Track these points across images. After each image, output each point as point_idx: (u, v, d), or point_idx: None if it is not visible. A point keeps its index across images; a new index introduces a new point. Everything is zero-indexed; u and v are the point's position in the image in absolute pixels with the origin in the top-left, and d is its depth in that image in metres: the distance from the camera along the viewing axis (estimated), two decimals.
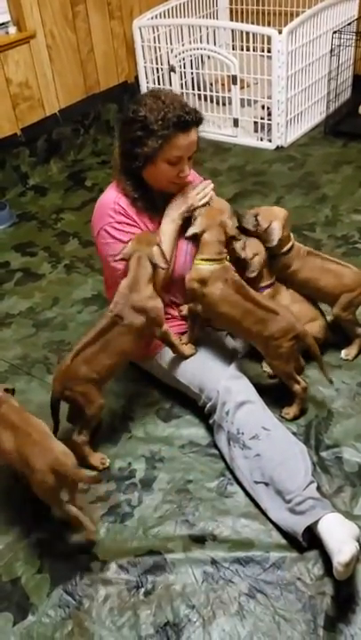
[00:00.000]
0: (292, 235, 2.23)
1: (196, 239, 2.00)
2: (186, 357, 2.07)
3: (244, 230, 2.15)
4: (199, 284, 1.96)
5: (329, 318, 2.31)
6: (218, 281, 1.95)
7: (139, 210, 2.03)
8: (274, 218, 2.15)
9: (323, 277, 2.21)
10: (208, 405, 2.00)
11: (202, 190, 2.03)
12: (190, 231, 1.98)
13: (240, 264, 2.09)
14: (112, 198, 2.04)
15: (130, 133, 1.93)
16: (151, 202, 2.05)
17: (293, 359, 2.02)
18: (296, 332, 1.95)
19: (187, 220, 2.04)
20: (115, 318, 1.89)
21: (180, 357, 2.08)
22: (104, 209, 2.04)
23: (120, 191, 2.03)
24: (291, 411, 2.07)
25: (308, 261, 2.23)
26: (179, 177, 1.98)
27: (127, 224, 2.01)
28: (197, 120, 1.94)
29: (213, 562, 1.69)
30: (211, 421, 2.00)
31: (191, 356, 2.07)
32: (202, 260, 1.96)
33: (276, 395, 2.10)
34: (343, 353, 2.29)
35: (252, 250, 2.13)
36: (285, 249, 2.19)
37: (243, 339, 2.10)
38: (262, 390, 2.02)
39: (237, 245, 2.07)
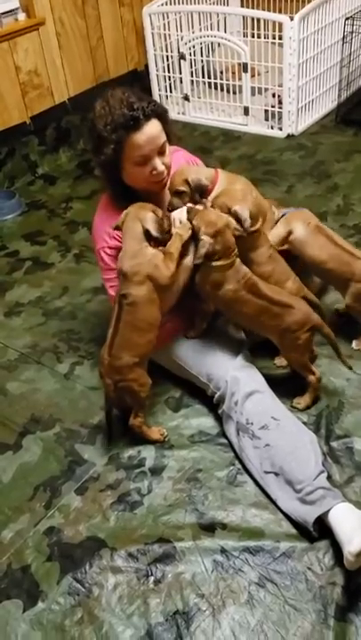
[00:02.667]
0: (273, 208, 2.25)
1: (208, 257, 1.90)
2: (188, 337, 2.08)
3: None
4: (211, 286, 1.93)
5: (338, 306, 2.33)
6: (231, 282, 1.91)
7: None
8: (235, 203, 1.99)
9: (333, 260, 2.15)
10: (217, 395, 1.99)
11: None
12: (198, 256, 1.86)
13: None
14: (104, 219, 2.01)
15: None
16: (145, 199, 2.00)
17: (309, 350, 2.01)
18: (312, 322, 1.94)
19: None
20: (120, 299, 1.88)
21: (188, 347, 2.07)
22: (99, 231, 2.04)
23: (110, 208, 2.00)
24: (303, 401, 2.05)
25: (317, 239, 2.16)
26: (152, 175, 1.92)
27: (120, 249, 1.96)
28: (149, 113, 1.83)
29: (223, 551, 1.69)
30: (220, 411, 1.99)
31: (194, 337, 2.08)
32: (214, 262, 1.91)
33: (287, 385, 2.08)
34: (354, 343, 2.28)
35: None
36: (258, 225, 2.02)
37: (259, 333, 2.06)
38: (272, 381, 2.01)
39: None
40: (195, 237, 1.90)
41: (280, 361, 2.19)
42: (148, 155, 1.87)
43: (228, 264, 1.90)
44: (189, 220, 1.92)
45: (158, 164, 1.91)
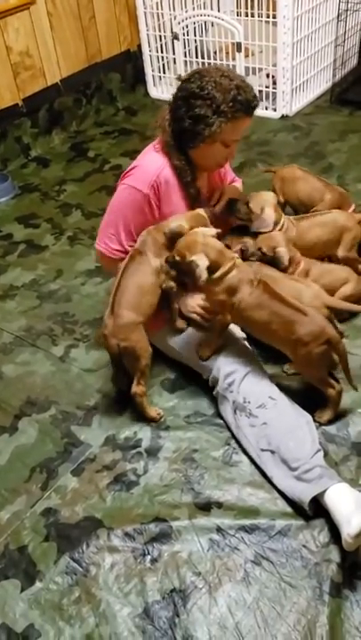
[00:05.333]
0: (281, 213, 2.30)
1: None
2: (176, 329, 2.08)
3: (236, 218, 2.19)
4: (227, 294, 1.86)
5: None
6: (245, 285, 1.85)
7: (179, 184, 1.99)
8: (265, 203, 2.17)
9: (323, 231, 2.29)
10: (210, 377, 1.99)
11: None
12: (200, 279, 1.82)
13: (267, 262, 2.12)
14: (156, 169, 1.95)
15: (193, 109, 1.86)
16: (193, 179, 2.01)
17: (325, 365, 1.87)
18: (327, 336, 1.79)
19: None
20: (134, 254, 1.93)
21: (177, 331, 2.09)
22: (144, 175, 1.96)
23: (167, 160, 1.97)
24: (325, 415, 1.93)
25: (300, 227, 2.29)
26: (226, 159, 1.97)
27: (148, 204, 1.97)
28: (256, 106, 1.92)
29: (219, 529, 1.70)
30: (214, 393, 1.99)
31: (182, 329, 2.08)
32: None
33: (300, 397, 1.96)
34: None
35: (267, 244, 2.14)
36: (278, 228, 2.22)
37: (272, 344, 1.95)
38: (286, 392, 1.93)
39: (250, 248, 2.12)
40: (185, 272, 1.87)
41: (289, 367, 2.08)
42: (237, 140, 1.93)
43: (228, 269, 1.85)
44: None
45: (233, 151, 1.98)
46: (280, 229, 2.21)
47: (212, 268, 1.83)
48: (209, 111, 1.84)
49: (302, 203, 2.54)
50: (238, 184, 2.37)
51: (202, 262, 1.80)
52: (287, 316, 1.81)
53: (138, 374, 1.95)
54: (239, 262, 1.90)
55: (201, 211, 1.99)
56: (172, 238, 1.90)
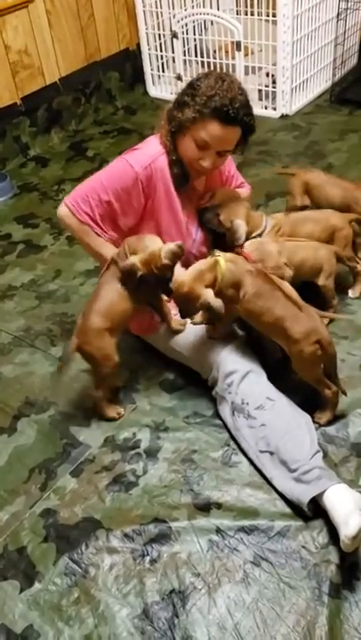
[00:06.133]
0: (261, 214, 2.29)
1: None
2: (174, 331, 2.07)
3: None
4: (233, 288, 1.86)
5: None
6: (246, 276, 1.86)
7: (173, 176, 1.98)
8: (234, 216, 2.13)
9: (315, 228, 2.31)
10: (210, 377, 1.99)
11: None
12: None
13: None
14: (153, 154, 1.97)
15: (180, 95, 1.92)
16: (184, 172, 2.00)
17: (319, 365, 1.86)
18: (318, 336, 1.80)
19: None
20: (110, 263, 1.94)
21: (175, 333, 2.08)
22: (141, 156, 1.97)
23: (164, 148, 1.99)
24: (324, 416, 1.93)
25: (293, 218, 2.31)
26: (199, 163, 1.94)
27: (135, 187, 1.95)
28: (241, 122, 1.87)
29: (218, 530, 1.70)
30: (213, 393, 1.99)
31: (179, 331, 2.07)
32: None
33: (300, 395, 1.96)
34: (350, 293, 2.40)
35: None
36: (258, 232, 2.21)
37: (273, 339, 1.94)
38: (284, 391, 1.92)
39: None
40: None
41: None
42: (210, 145, 1.90)
43: (217, 275, 1.84)
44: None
45: (208, 160, 1.93)
46: (260, 233, 2.20)
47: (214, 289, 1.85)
48: (188, 99, 1.87)
49: (336, 207, 2.46)
50: (245, 190, 2.35)
51: (210, 297, 1.81)
52: (284, 308, 1.82)
53: (97, 380, 1.98)
54: (230, 256, 1.91)
55: (172, 245, 1.90)
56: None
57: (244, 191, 2.35)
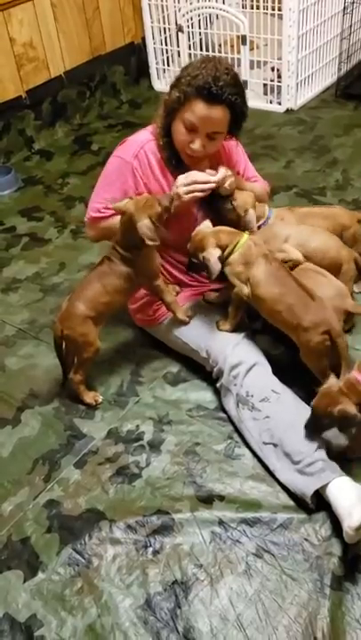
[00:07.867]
0: (265, 205, 2.25)
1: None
2: (179, 321, 2.08)
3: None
4: (244, 266, 1.89)
5: None
6: (260, 258, 1.88)
7: (162, 159, 1.99)
8: (248, 205, 2.07)
9: (323, 223, 2.28)
10: (215, 369, 1.99)
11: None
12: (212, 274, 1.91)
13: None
14: (142, 140, 2.00)
15: (173, 80, 1.92)
16: (176, 156, 1.99)
17: (325, 356, 1.84)
18: (328, 327, 1.78)
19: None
20: (104, 258, 1.99)
21: (181, 323, 2.08)
22: (130, 146, 2.00)
23: (153, 134, 2.00)
24: None
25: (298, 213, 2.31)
26: (190, 147, 1.91)
27: (133, 175, 1.98)
28: (226, 100, 1.81)
29: (221, 522, 1.70)
30: (218, 385, 1.99)
31: (184, 322, 2.07)
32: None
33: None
34: (355, 287, 2.35)
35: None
36: (261, 222, 2.18)
37: (280, 328, 1.95)
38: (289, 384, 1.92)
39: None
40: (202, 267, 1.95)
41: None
42: (196, 127, 1.85)
43: (236, 244, 1.90)
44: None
45: (198, 143, 1.88)
46: (265, 222, 2.19)
47: (223, 253, 1.90)
48: (176, 82, 1.88)
49: None
50: (260, 185, 2.28)
51: (212, 255, 1.87)
52: (296, 296, 1.82)
53: (77, 363, 2.03)
54: (255, 238, 1.95)
55: (150, 197, 1.91)
56: (127, 232, 1.91)
57: (261, 187, 2.29)
